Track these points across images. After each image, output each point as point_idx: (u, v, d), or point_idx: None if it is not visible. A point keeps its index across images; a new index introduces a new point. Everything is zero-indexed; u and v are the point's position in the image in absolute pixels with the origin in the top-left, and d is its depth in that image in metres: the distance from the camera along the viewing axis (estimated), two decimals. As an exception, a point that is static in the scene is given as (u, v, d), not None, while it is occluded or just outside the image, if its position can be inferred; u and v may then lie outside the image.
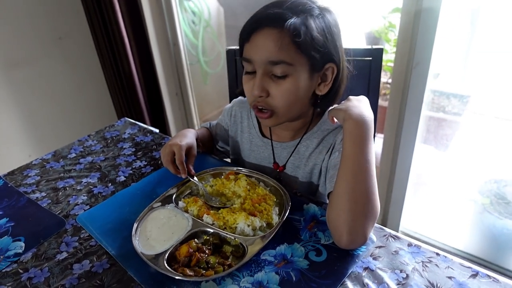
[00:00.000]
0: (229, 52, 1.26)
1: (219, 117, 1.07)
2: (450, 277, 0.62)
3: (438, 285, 0.61)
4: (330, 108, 0.81)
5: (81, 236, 0.79)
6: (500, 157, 1.60)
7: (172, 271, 0.66)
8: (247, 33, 0.75)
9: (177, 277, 0.65)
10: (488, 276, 0.62)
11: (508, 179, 1.56)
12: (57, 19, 1.94)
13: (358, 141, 0.70)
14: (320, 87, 0.80)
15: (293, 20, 0.71)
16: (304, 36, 0.71)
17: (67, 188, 0.96)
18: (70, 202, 0.90)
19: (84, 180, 0.98)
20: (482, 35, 1.63)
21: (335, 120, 0.78)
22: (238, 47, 1.23)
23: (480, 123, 1.80)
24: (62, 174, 1.02)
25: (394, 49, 1.57)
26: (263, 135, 0.95)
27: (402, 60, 1.40)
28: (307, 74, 0.76)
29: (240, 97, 1.03)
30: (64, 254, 0.75)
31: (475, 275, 0.62)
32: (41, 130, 2.05)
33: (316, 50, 0.73)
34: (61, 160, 1.08)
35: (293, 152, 0.90)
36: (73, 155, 1.10)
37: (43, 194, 0.94)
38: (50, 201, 0.91)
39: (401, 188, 1.61)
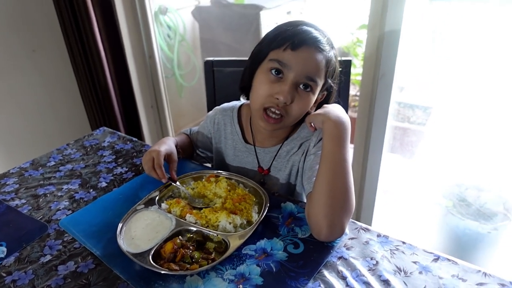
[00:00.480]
0: (207, 63, 1.31)
1: (201, 123, 1.11)
2: (415, 262, 0.69)
3: (405, 269, 0.67)
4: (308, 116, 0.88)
5: (65, 240, 0.81)
6: (460, 162, 1.72)
7: (158, 266, 0.69)
8: (296, 42, 0.80)
9: (162, 272, 0.68)
10: (448, 259, 0.69)
11: (468, 183, 1.67)
12: (31, 31, 1.94)
13: (336, 141, 0.77)
14: (318, 97, 0.89)
15: (331, 52, 0.83)
16: (332, 66, 0.84)
17: (48, 195, 0.96)
18: (51, 208, 0.91)
19: (65, 186, 0.99)
20: (442, 52, 1.76)
21: (313, 126, 0.86)
22: (215, 59, 1.31)
23: (442, 132, 1.92)
24: (41, 182, 1.02)
25: (362, 63, 1.68)
26: (246, 141, 1.00)
27: (369, 72, 1.50)
28: (320, 91, 0.86)
29: (222, 105, 1.07)
30: (48, 257, 0.76)
31: (436, 259, 0.69)
32: (13, 144, 2.02)
33: (333, 75, 0.86)
34: (40, 168, 1.09)
35: (275, 156, 0.96)
36: (52, 163, 1.11)
37: (23, 201, 0.95)
38: (30, 207, 0.92)
39: (371, 194, 1.69)
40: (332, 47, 0.85)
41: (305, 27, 0.82)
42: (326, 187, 0.74)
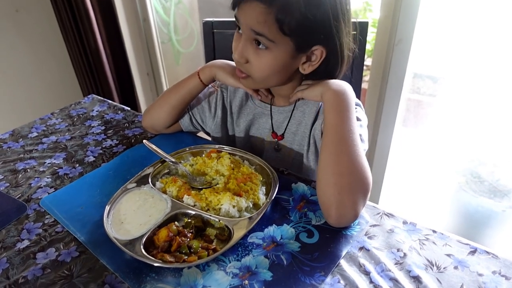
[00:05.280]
0: (206, 24, 1.18)
1: (209, 90, 0.99)
2: (448, 255, 0.59)
3: (437, 263, 0.58)
4: (299, 88, 0.79)
5: (45, 222, 0.71)
6: (474, 136, 1.62)
7: (150, 257, 0.59)
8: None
9: (155, 264, 0.59)
10: (487, 252, 0.59)
11: (482, 158, 1.58)
12: (13, -11, 1.77)
13: (339, 111, 0.70)
14: (304, 66, 0.75)
15: (282, 0, 0.65)
16: (289, 19, 0.66)
17: (28, 170, 0.86)
18: (31, 185, 0.81)
19: (47, 161, 0.89)
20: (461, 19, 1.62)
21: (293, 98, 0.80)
22: (214, 19, 1.18)
23: (454, 104, 1.81)
24: (22, 155, 0.91)
25: (372, 30, 1.53)
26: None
27: (383, 38, 1.37)
28: (290, 53, 0.71)
29: None
30: (26, 242, 0.67)
31: (473, 251, 0.60)
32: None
33: (301, 34, 0.68)
34: (21, 139, 0.98)
35: (290, 118, 0.86)
36: (35, 134, 1.00)
37: (0, 177, 0.84)
38: (8, 184, 0.82)
39: (380, 170, 1.60)
40: None
41: None
42: (330, 163, 0.66)
